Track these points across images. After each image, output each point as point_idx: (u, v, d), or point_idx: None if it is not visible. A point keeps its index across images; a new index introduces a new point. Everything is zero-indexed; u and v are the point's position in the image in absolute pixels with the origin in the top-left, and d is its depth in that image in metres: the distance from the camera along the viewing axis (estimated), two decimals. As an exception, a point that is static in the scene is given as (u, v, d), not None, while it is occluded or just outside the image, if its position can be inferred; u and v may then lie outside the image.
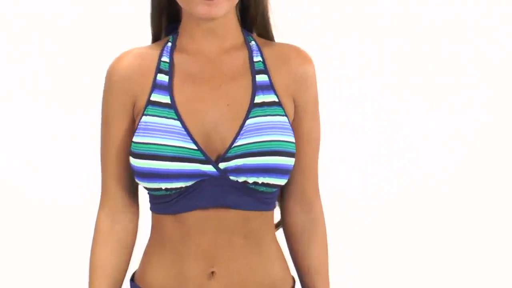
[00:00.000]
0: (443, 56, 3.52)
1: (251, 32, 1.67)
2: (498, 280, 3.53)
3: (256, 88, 1.57)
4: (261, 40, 1.65)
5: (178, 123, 1.56)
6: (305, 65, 1.61)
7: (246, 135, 1.53)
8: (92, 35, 3.52)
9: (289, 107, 1.60)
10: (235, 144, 1.53)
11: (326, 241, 1.74)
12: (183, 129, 1.56)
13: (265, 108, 1.56)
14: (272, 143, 1.53)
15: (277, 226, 1.77)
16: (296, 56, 1.61)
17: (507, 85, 3.54)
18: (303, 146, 1.65)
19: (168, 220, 1.62)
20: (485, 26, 3.53)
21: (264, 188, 1.56)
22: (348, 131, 3.42)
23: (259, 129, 1.54)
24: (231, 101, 1.57)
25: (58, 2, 3.50)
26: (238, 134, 1.53)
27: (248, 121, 1.54)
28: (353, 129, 3.40)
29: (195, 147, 1.54)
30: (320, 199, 1.73)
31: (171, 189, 1.57)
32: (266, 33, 1.66)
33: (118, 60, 1.65)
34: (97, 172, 3.52)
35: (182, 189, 1.57)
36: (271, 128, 1.54)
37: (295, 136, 1.61)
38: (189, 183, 1.56)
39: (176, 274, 1.63)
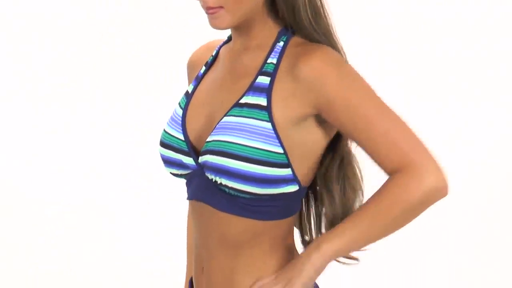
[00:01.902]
0: (445, 56, 3.53)
1: (295, 32, 1.58)
2: (497, 280, 3.55)
3: (250, 89, 1.52)
4: (297, 42, 1.55)
5: (181, 112, 1.61)
6: (311, 63, 1.46)
7: (216, 132, 1.51)
8: (91, 36, 3.52)
9: (287, 112, 1.49)
10: (207, 140, 1.52)
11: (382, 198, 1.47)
12: (180, 119, 1.60)
13: (244, 109, 1.50)
14: (230, 144, 1.47)
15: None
16: (305, 56, 1.47)
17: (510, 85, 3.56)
18: (357, 140, 1.48)
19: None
20: (488, 26, 3.54)
21: (233, 192, 1.49)
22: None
23: (226, 129, 1.49)
24: (225, 99, 1.56)
25: (58, 2, 3.50)
26: (212, 130, 1.52)
27: (224, 119, 1.51)
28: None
29: (182, 138, 1.56)
30: (413, 165, 1.44)
31: (173, 174, 1.62)
32: (304, 35, 1.55)
33: (194, 51, 1.75)
34: (95, 172, 3.54)
35: (183, 177, 1.60)
36: (237, 130, 1.48)
37: (346, 135, 1.49)
38: (182, 172, 1.58)
39: (192, 262, 1.68)
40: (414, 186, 1.43)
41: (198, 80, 1.64)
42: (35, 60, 3.51)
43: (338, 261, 1.58)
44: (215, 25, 1.52)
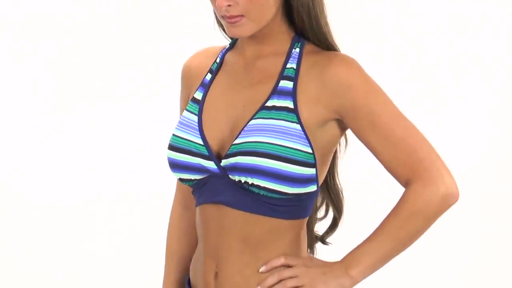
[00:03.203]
0: (443, 58, 3.53)
1: (308, 39, 1.63)
2: (497, 279, 3.55)
3: (274, 93, 1.56)
4: (311, 48, 1.61)
5: (195, 118, 1.62)
6: (337, 70, 1.53)
7: (244, 134, 1.54)
8: (91, 36, 3.52)
9: (312, 115, 1.54)
10: (234, 142, 1.54)
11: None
12: (196, 124, 1.61)
13: (272, 111, 1.54)
14: (263, 144, 1.51)
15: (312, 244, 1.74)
16: (329, 63, 1.54)
17: (509, 86, 3.55)
18: (375, 147, 1.54)
19: (196, 213, 1.68)
20: (486, 27, 3.54)
21: (263, 192, 1.53)
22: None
23: (257, 130, 1.52)
24: (248, 102, 1.59)
25: (58, 2, 3.50)
26: (239, 133, 1.55)
27: (251, 122, 1.54)
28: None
29: (201, 142, 1.58)
30: (429, 175, 1.51)
31: (185, 180, 1.62)
32: (318, 42, 1.61)
33: (190, 57, 1.75)
34: (95, 172, 3.54)
35: (195, 182, 1.61)
36: (268, 131, 1.52)
37: (364, 142, 1.55)
38: (197, 177, 1.60)
39: (195, 270, 1.67)
40: (431, 194, 1.50)
41: (206, 87, 1.66)
42: (35, 60, 3.51)
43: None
44: (235, 33, 1.55)
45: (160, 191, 3.48)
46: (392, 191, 1.92)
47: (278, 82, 1.56)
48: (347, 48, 1.63)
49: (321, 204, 1.74)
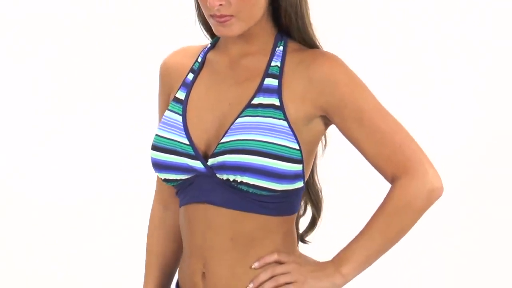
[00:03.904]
0: (429, 41, 3.53)
1: (293, 38, 1.64)
2: (483, 262, 3.53)
3: (259, 90, 1.57)
4: (295, 46, 1.62)
5: (179, 117, 1.62)
6: (323, 68, 1.54)
7: (231, 132, 1.54)
8: (91, 36, 3.52)
9: (298, 112, 1.56)
10: (221, 141, 1.55)
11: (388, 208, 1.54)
12: (181, 124, 1.61)
13: (258, 109, 1.55)
14: (251, 142, 1.51)
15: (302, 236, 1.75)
16: (315, 60, 1.55)
17: (499, 80, 3.55)
18: (360, 143, 1.55)
19: (180, 213, 1.67)
20: (473, 10, 3.54)
21: (253, 189, 1.53)
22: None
23: (244, 128, 1.53)
24: (234, 101, 1.59)
25: (58, 2, 3.51)
26: (226, 131, 1.55)
27: (238, 120, 1.55)
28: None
29: (187, 142, 1.58)
30: (415, 169, 1.52)
31: (169, 180, 1.62)
32: (303, 41, 1.61)
33: (168, 56, 1.75)
34: (93, 173, 3.54)
35: (180, 182, 1.60)
36: (256, 128, 1.53)
37: (350, 138, 1.56)
38: (183, 177, 1.59)
39: (183, 271, 1.67)
40: (417, 189, 1.52)
41: (188, 87, 1.66)
42: (35, 60, 3.52)
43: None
44: (224, 33, 1.56)
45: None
46: (375, 189, 1.93)
47: (263, 80, 1.57)
48: (334, 33, 1.64)
49: (301, 201, 1.73)
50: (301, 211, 1.74)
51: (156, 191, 1.83)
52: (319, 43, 1.62)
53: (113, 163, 3.55)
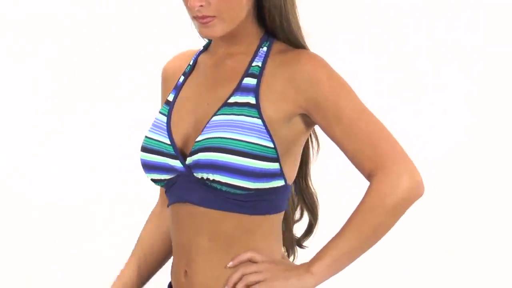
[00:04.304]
0: (421, 47, 3.53)
1: (279, 38, 1.63)
2: (474, 265, 3.53)
3: (237, 90, 1.57)
4: (281, 47, 1.62)
5: (164, 118, 1.64)
6: (306, 67, 1.54)
7: (206, 131, 1.55)
8: (92, 35, 3.52)
9: (278, 111, 1.55)
10: (196, 140, 1.56)
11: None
12: (165, 125, 1.63)
13: (234, 107, 1.55)
14: (222, 140, 1.51)
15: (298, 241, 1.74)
16: (298, 60, 1.55)
17: (490, 86, 3.55)
18: (340, 140, 1.55)
19: (168, 213, 1.69)
20: (465, 15, 3.54)
21: (225, 188, 1.53)
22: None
23: (218, 126, 1.54)
24: (212, 101, 1.60)
25: (58, 2, 3.51)
26: (202, 130, 1.56)
27: (213, 118, 1.55)
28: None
29: (168, 142, 1.60)
30: (391, 163, 1.50)
31: (156, 180, 1.64)
32: (288, 41, 1.61)
33: (168, 61, 1.79)
34: (93, 173, 3.54)
35: (165, 182, 1.62)
36: (229, 126, 1.53)
37: (331, 136, 1.55)
38: (167, 176, 1.61)
39: (172, 269, 1.69)
40: (391, 186, 1.49)
41: (178, 89, 1.68)
42: (35, 60, 3.52)
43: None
44: (207, 34, 1.57)
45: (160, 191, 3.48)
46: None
47: (242, 79, 1.57)
48: (326, 38, 1.64)
49: (297, 206, 1.73)
50: (297, 216, 1.73)
51: (161, 190, 1.85)
52: (305, 44, 1.62)
53: (113, 163, 3.55)
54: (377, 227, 1.51)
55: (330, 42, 1.42)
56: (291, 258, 1.74)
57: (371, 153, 1.52)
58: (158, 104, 1.88)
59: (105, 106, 3.54)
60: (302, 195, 1.71)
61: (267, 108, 1.54)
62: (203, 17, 1.54)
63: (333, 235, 1.56)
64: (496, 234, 3.53)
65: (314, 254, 1.57)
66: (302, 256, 1.75)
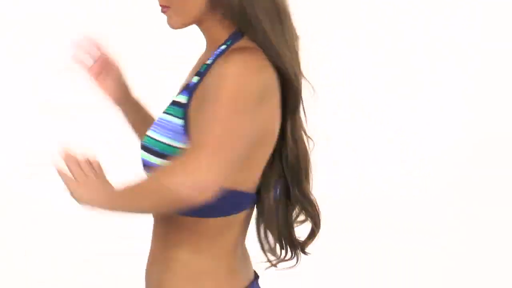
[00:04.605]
0: (418, 44, 3.54)
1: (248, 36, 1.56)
2: (470, 261, 3.53)
3: (184, 88, 1.56)
4: (242, 44, 1.52)
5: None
6: (225, 64, 1.46)
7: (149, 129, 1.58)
8: (91, 36, 3.52)
9: (195, 111, 1.49)
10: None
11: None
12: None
13: (172, 106, 1.54)
14: (146, 139, 1.54)
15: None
16: (226, 56, 1.48)
17: (487, 83, 3.56)
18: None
19: None
20: (462, 12, 3.54)
21: None
22: (346, 130, 3.42)
23: (153, 125, 1.56)
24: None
25: (58, 2, 3.52)
26: None
27: (159, 116, 1.57)
28: (349, 129, 3.40)
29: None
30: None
31: None
32: (255, 40, 1.51)
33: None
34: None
35: None
36: (156, 125, 1.54)
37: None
38: None
39: None
40: (171, 177, 1.40)
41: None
42: (35, 60, 3.53)
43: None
44: (168, 24, 1.58)
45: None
46: (372, 199, 1.92)
47: (191, 78, 1.55)
48: (323, 35, 1.62)
49: (298, 214, 1.65)
50: (296, 223, 1.66)
51: None
52: (273, 42, 1.50)
53: (113, 163, 3.54)
54: (147, 200, 1.50)
55: (327, 39, 1.41)
56: (293, 262, 1.69)
57: (188, 149, 1.43)
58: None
59: (105, 106, 3.53)
60: (301, 204, 1.63)
61: (193, 108, 1.49)
62: (162, 6, 1.55)
63: (333, 235, 1.53)
64: (493, 231, 3.55)
65: (314, 256, 1.56)
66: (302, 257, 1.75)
